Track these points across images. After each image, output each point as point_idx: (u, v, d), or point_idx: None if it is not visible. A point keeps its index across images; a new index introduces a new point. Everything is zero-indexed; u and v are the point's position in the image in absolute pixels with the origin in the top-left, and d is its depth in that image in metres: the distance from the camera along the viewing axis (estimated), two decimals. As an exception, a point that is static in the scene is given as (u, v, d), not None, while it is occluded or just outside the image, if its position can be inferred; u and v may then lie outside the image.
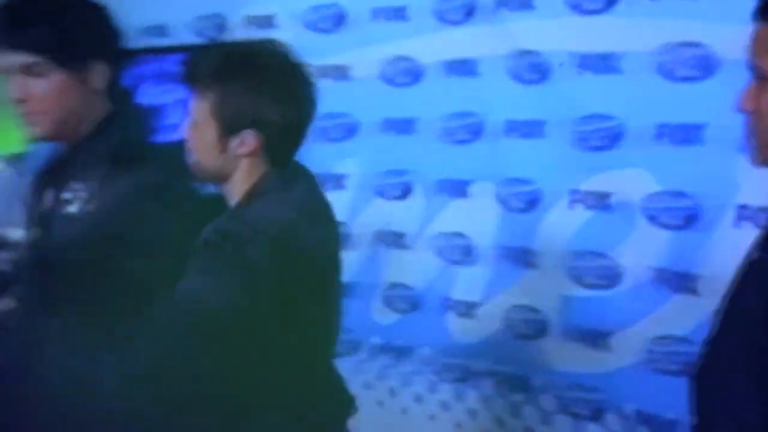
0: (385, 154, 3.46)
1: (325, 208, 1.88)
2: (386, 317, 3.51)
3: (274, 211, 1.70)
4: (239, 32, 3.71)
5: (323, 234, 1.82)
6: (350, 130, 3.53)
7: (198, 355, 1.55)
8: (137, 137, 1.94)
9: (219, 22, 3.78)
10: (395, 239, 3.46)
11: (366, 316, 3.53)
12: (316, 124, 3.37)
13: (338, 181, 3.57)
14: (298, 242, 1.68)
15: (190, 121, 1.77)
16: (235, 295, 1.57)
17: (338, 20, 3.49)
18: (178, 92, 3.60)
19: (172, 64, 3.64)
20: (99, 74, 1.87)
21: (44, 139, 1.88)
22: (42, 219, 1.89)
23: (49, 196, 1.89)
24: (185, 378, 1.55)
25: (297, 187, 1.79)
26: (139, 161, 1.80)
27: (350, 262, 3.47)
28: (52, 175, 1.94)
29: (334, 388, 1.94)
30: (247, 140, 1.73)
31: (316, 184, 1.89)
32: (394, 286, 3.49)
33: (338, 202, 3.38)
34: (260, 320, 1.59)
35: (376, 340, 3.56)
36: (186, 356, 1.55)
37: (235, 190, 1.77)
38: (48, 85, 1.80)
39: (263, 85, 1.73)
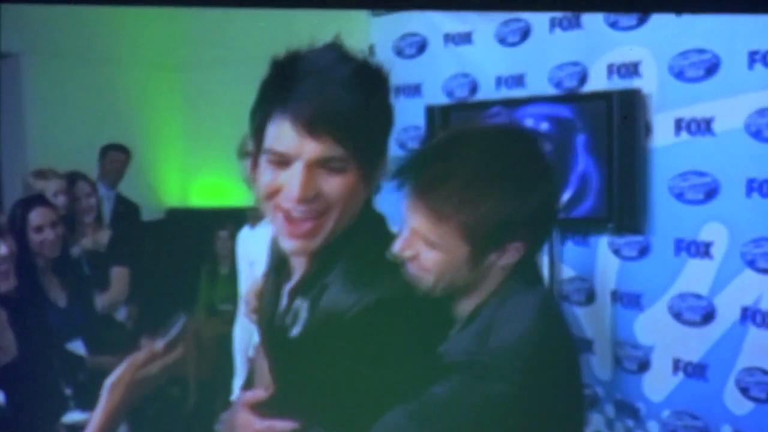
0: (756, 219, 3.07)
1: (557, 305, 1.66)
2: (741, 405, 3.10)
3: (517, 326, 1.43)
4: (601, 81, 3.54)
5: (562, 335, 1.53)
6: (711, 192, 3.19)
7: None
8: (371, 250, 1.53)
9: (579, 71, 3.61)
10: (764, 318, 3.06)
11: (716, 401, 3.16)
12: (672, 184, 3.21)
13: (701, 248, 3.24)
14: (542, 357, 1.42)
15: (417, 239, 1.46)
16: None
17: (711, 68, 3.18)
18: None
19: (524, 117, 3.57)
20: (381, 175, 1.52)
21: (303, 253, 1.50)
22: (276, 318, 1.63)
23: (282, 301, 1.62)
24: None
25: (536, 285, 1.53)
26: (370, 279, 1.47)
27: (706, 339, 3.21)
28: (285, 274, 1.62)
29: None
30: (510, 251, 1.44)
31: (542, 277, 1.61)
32: (753, 371, 3.08)
33: (702, 272, 3.22)
34: None
35: (727, 430, 3.15)
36: None
37: (476, 296, 1.49)
38: (343, 185, 1.42)
39: (524, 186, 1.42)
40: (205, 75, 5.63)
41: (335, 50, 1.45)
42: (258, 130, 1.45)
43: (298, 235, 1.44)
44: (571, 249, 3.64)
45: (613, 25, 3.44)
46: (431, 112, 3.88)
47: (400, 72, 4.14)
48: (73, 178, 4.17)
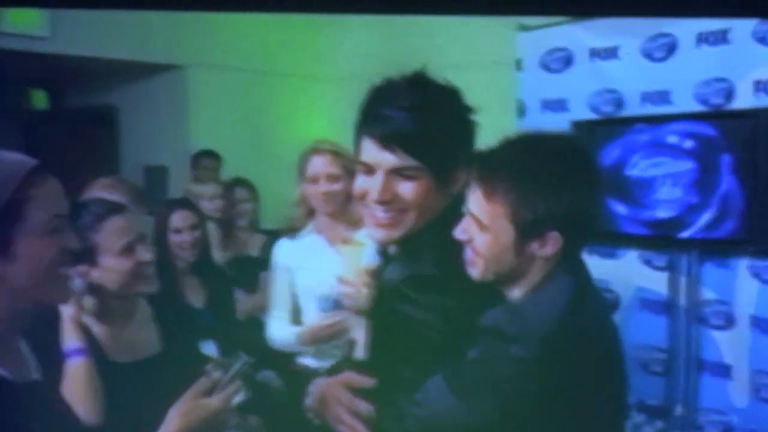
0: None
1: (596, 293, 1.77)
2: None
3: (546, 307, 1.61)
4: (748, 98, 3.42)
5: (593, 320, 1.70)
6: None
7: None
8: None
9: (725, 88, 3.51)
10: None
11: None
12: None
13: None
14: (566, 337, 1.60)
15: (473, 223, 1.66)
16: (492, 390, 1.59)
17: None
18: (668, 165, 3.52)
19: (668, 135, 3.51)
20: (460, 180, 1.76)
21: (394, 242, 1.80)
22: None
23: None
24: None
25: (574, 277, 1.67)
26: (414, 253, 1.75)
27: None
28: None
29: None
30: (550, 242, 1.62)
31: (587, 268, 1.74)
32: None
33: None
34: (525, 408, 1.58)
35: None
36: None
37: (521, 285, 1.66)
38: (416, 189, 1.71)
39: (567, 185, 1.61)
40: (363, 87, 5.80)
41: (408, 80, 1.73)
42: (355, 146, 1.78)
43: (380, 226, 1.75)
44: (710, 271, 3.53)
45: (762, 41, 3.32)
46: (577, 127, 3.86)
47: (546, 86, 4.18)
48: (232, 184, 4.41)
